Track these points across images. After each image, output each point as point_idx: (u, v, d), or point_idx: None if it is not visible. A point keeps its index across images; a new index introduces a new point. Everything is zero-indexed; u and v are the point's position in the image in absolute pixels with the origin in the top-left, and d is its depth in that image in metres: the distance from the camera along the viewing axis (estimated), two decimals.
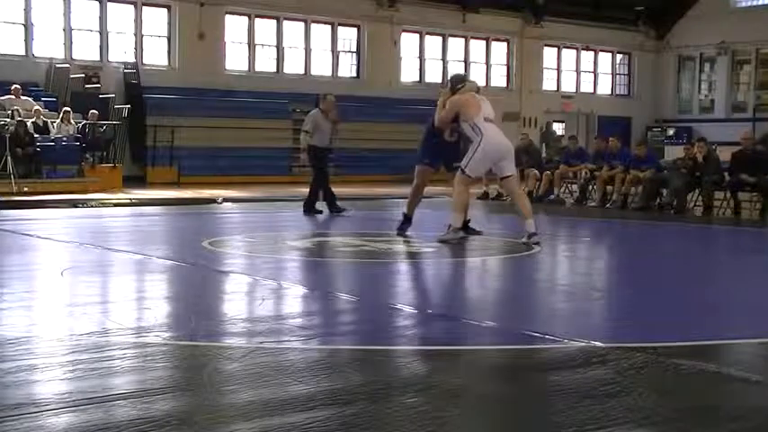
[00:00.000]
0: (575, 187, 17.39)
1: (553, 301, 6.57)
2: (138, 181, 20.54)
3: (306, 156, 13.70)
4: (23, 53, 21.98)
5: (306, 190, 13.83)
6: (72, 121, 19.11)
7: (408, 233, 10.20)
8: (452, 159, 10.11)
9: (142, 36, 23.80)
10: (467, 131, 9.61)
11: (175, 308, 6.05)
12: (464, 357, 4.70)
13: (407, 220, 10.21)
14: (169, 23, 24.11)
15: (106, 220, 12.96)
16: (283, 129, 24.11)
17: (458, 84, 9.94)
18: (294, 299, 6.46)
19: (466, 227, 10.12)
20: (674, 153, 20.64)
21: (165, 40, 24.13)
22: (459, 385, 4.03)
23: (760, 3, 31.04)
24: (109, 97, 21.15)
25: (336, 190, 13.85)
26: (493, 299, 6.86)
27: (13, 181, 16.36)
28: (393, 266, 8.46)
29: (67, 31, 22.64)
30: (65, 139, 18.65)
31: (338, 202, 13.60)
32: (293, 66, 26.23)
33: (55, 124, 19.10)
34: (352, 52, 27.44)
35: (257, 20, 25.53)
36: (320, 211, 13.38)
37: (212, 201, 16.41)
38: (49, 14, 22.36)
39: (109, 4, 23.21)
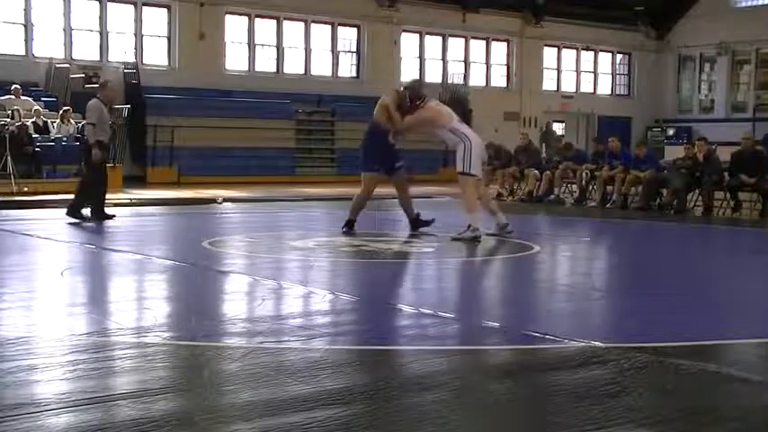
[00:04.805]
0: (575, 187, 17.39)
1: (553, 301, 6.57)
2: (138, 181, 20.52)
3: (98, 152, 11.65)
4: (23, 53, 21.96)
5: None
6: (72, 120, 19.10)
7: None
8: (393, 162, 10.42)
9: (142, 36, 23.78)
10: (445, 136, 10.03)
11: (175, 308, 6.06)
12: (464, 357, 4.70)
13: (351, 223, 10.38)
14: (169, 23, 24.10)
15: (106, 220, 12.94)
16: (284, 129, 24.13)
17: (418, 99, 10.18)
18: (294, 299, 6.46)
19: (418, 220, 10.53)
20: (674, 153, 20.64)
21: (165, 40, 24.11)
22: (459, 385, 4.03)
23: (760, 3, 31.02)
24: None
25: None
26: (493, 299, 6.87)
27: (13, 181, 16.36)
28: (393, 266, 8.46)
29: (67, 31, 22.63)
30: (65, 139, 18.66)
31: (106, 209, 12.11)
32: (293, 66, 26.22)
33: (55, 124, 19.11)
34: (352, 52, 27.44)
35: (257, 20, 25.52)
36: (85, 217, 11.70)
37: (212, 201, 16.40)
38: (49, 14, 22.35)
39: (109, 4, 23.19)
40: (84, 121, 12.59)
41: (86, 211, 11.81)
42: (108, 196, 12.37)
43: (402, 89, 10.46)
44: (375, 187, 10.58)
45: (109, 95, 12.19)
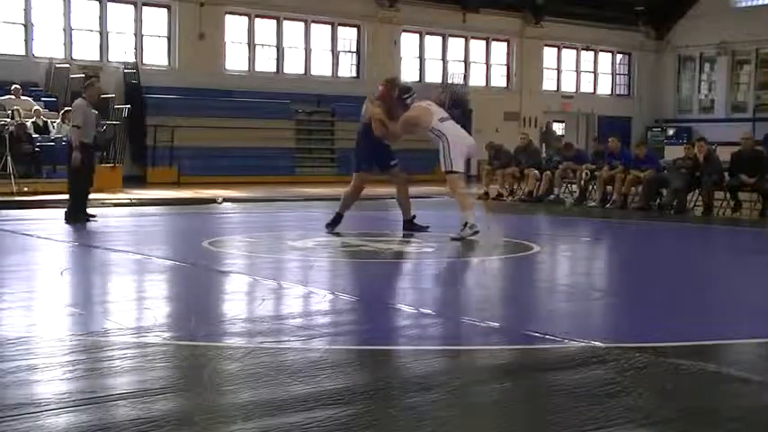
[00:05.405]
0: (575, 187, 17.39)
1: (553, 301, 6.57)
2: (138, 181, 20.52)
3: (79, 155, 11.46)
4: (23, 53, 21.95)
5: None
6: None
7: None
8: (387, 160, 10.48)
9: (142, 36, 23.78)
10: (430, 136, 10.05)
11: (175, 308, 6.06)
12: (464, 357, 4.70)
13: (339, 218, 10.49)
14: (169, 23, 24.09)
15: (106, 220, 12.94)
16: (283, 129, 24.12)
17: (405, 95, 10.15)
18: (294, 299, 6.46)
19: (412, 222, 10.48)
20: (674, 153, 20.63)
21: (165, 40, 24.11)
22: (459, 385, 4.03)
23: (760, 3, 31.02)
24: (109, 97, 21.10)
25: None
26: (493, 299, 6.86)
27: (13, 181, 16.36)
28: (393, 266, 8.46)
29: (67, 31, 22.62)
30: (65, 139, 18.62)
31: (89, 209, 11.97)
32: (293, 66, 26.22)
33: (55, 124, 19.10)
34: (352, 52, 27.43)
35: (257, 20, 25.51)
36: (93, 216, 11.75)
37: (212, 201, 16.40)
38: (49, 14, 22.34)
39: (109, 4, 23.18)
40: (70, 124, 12.46)
41: (90, 211, 11.83)
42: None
43: (386, 85, 10.45)
44: (364, 185, 10.64)
45: (93, 95, 12.06)
